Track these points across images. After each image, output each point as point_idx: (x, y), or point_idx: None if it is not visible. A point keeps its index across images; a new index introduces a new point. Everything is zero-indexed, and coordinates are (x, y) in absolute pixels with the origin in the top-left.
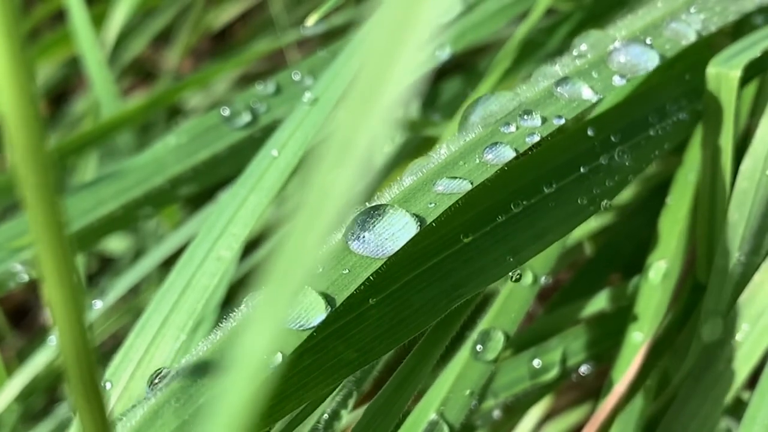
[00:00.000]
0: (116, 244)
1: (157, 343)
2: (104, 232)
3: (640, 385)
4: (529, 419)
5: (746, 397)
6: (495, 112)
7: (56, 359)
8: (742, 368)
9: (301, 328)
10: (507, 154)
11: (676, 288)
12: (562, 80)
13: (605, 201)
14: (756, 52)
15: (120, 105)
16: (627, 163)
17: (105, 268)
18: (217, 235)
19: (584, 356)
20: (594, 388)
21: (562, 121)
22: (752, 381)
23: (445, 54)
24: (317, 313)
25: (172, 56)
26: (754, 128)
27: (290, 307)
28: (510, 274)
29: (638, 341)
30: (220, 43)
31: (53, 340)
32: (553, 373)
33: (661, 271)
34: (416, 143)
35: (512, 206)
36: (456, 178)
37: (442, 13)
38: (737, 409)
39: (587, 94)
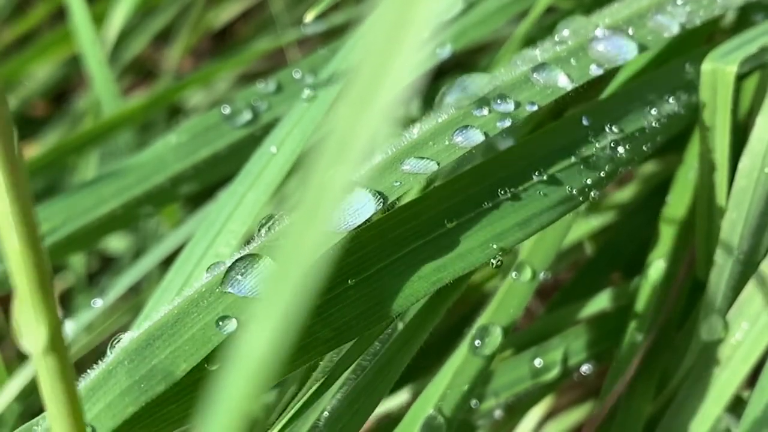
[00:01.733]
0: (117, 243)
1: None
2: (105, 231)
3: (639, 384)
4: (530, 419)
5: (746, 396)
6: (470, 95)
7: None
8: (742, 367)
9: (257, 296)
10: (476, 137)
11: (675, 287)
12: (540, 66)
13: (594, 191)
14: (753, 48)
15: (120, 104)
16: (620, 154)
17: (106, 267)
18: (215, 232)
19: (585, 356)
20: (595, 388)
21: (535, 108)
22: (752, 380)
23: (445, 52)
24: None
25: (172, 55)
26: (752, 125)
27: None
28: (492, 261)
29: (638, 340)
30: (221, 42)
31: None
32: (554, 372)
33: (660, 270)
34: None
35: (500, 193)
36: (423, 158)
37: (441, 10)
38: (737, 408)
39: (563, 81)
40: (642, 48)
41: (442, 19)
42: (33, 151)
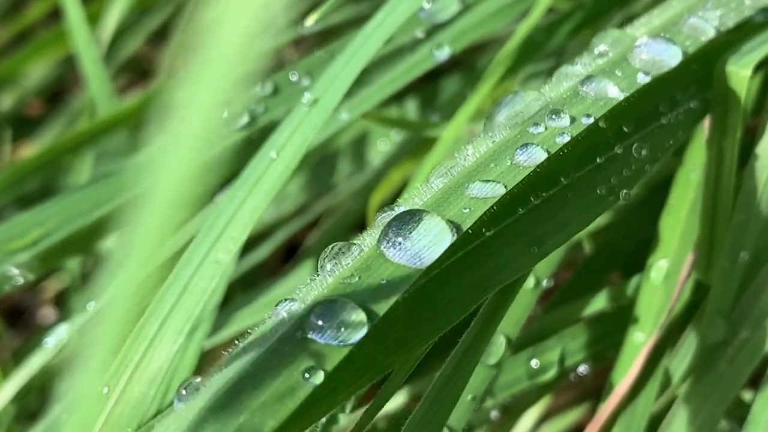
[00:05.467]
0: (113, 242)
1: (155, 346)
2: (101, 234)
3: (641, 386)
4: (526, 419)
5: (748, 399)
6: (520, 113)
7: (52, 359)
8: (745, 369)
9: (342, 344)
10: (539, 155)
11: (677, 288)
12: (587, 79)
13: (624, 191)
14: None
15: (116, 104)
16: (643, 152)
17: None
18: (215, 237)
19: (582, 356)
20: (592, 388)
21: (591, 120)
22: (754, 382)
23: (443, 54)
24: (358, 327)
25: (168, 54)
26: (761, 126)
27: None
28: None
29: (640, 342)
30: None
31: (49, 341)
32: (552, 373)
33: (662, 270)
34: (414, 145)
35: (531, 198)
36: (489, 181)
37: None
38: (739, 410)
39: (613, 92)
40: (684, 53)
41: (438, 19)
42: (28, 150)
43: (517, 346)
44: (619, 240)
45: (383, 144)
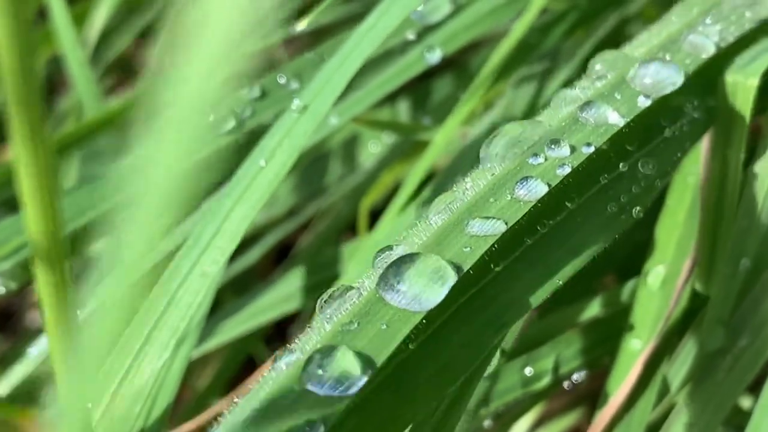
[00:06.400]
0: (102, 245)
1: (139, 362)
2: (86, 240)
3: (638, 395)
4: (520, 426)
5: (747, 406)
6: (519, 142)
7: (40, 365)
8: (744, 377)
9: (342, 394)
10: (539, 188)
11: (675, 294)
12: (586, 104)
13: (636, 208)
14: None
15: (103, 105)
16: (650, 167)
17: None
18: (202, 248)
19: (577, 363)
20: (585, 393)
21: (592, 149)
22: (753, 389)
23: (435, 57)
24: (356, 376)
25: (156, 54)
26: (762, 132)
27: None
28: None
29: (636, 349)
30: None
31: (33, 352)
32: (546, 381)
33: (660, 276)
34: (406, 147)
35: (538, 227)
36: (489, 218)
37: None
38: (738, 418)
39: (613, 118)
40: (685, 74)
41: (429, 21)
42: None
43: (510, 353)
44: (614, 243)
45: (374, 146)
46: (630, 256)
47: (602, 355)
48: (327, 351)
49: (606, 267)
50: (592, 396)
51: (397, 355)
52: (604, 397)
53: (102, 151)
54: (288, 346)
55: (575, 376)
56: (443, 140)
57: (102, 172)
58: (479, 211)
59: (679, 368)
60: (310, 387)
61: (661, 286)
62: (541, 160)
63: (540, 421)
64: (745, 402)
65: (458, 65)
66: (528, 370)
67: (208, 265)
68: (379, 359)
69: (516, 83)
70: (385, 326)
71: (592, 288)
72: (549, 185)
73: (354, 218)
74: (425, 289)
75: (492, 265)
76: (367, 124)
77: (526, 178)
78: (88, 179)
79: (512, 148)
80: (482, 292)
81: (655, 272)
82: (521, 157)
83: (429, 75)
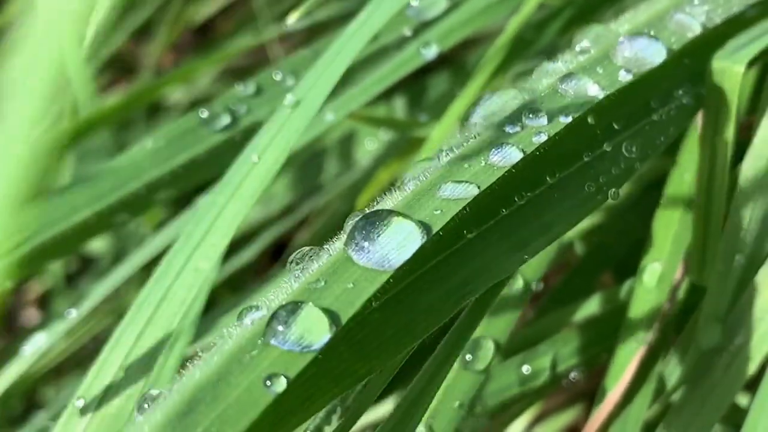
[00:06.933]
0: (96, 243)
1: (132, 359)
2: (80, 239)
3: (634, 392)
4: (517, 424)
5: (744, 404)
6: (498, 112)
7: (34, 365)
8: (741, 374)
9: (305, 350)
10: (514, 155)
11: (671, 291)
12: (566, 76)
13: (613, 189)
14: (762, 45)
15: (98, 103)
16: (633, 149)
17: (86, 267)
18: (194, 245)
19: (574, 361)
20: (582, 391)
21: (569, 119)
22: (750, 387)
23: (431, 53)
24: (321, 333)
25: (152, 51)
26: (755, 125)
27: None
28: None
29: (633, 346)
30: (202, 37)
31: (27, 350)
32: (543, 379)
33: (656, 273)
34: (402, 144)
35: (516, 198)
36: (462, 182)
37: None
38: (735, 416)
39: (593, 90)
40: (669, 50)
41: (426, 17)
42: None
43: (507, 351)
44: (611, 241)
45: (371, 143)
46: (628, 253)
47: (599, 353)
48: (292, 308)
49: (603, 265)
50: (589, 394)
51: (360, 312)
52: (601, 395)
53: (97, 148)
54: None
55: (572, 374)
56: (440, 137)
57: (93, 175)
58: (452, 176)
59: (675, 366)
60: (273, 342)
61: (657, 283)
62: (518, 128)
63: (537, 419)
64: (742, 399)
65: (454, 61)
66: (525, 368)
67: (201, 261)
68: (345, 317)
69: (512, 79)
70: (351, 285)
71: (589, 286)
72: (524, 152)
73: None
74: (393, 250)
75: (465, 232)
76: (364, 120)
77: (501, 144)
78: (83, 177)
79: (490, 117)
80: (451, 258)
81: (651, 269)
82: (499, 125)
83: (425, 71)
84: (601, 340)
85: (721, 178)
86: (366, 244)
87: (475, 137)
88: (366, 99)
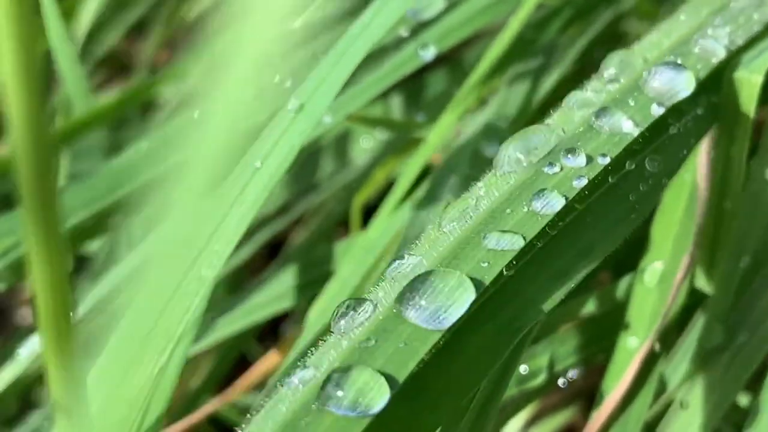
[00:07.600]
0: (93, 242)
1: (134, 367)
2: (75, 241)
3: (635, 392)
4: (514, 424)
5: (744, 404)
6: (533, 148)
7: (31, 364)
8: (743, 374)
9: (361, 414)
10: (556, 202)
11: (673, 291)
12: (601, 111)
13: (646, 206)
14: None
15: (92, 101)
16: (656, 166)
17: (82, 266)
18: (197, 252)
19: (572, 361)
20: (580, 391)
21: (608, 160)
22: (751, 387)
23: (429, 54)
24: (380, 396)
25: (147, 48)
26: (764, 127)
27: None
28: None
29: (633, 347)
30: (198, 34)
31: (22, 353)
32: (541, 379)
33: (657, 273)
34: (399, 142)
35: (547, 230)
36: (506, 231)
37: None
38: (737, 415)
39: (627, 126)
40: (697, 80)
41: (423, 17)
42: (1, 151)
43: None
44: None
45: (366, 141)
46: (625, 253)
47: (598, 353)
48: (345, 369)
49: (601, 264)
50: (587, 394)
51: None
52: (600, 395)
53: (92, 148)
54: (301, 362)
55: (570, 374)
56: (437, 137)
57: (92, 170)
58: (496, 224)
59: (676, 366)
60: (329, 407)
61: (658, 283)
62: (557, 169)
63: (535, 419)
64: (744, 399)
65: (452, 61)
66: (523, 368)
67: (205, 269)
68: (401, 377)
69: (510, 79)
70: (403, 344)
71: (587, 285)
72: (566, 198)
73: (347, 215)
74: (444, 306)
75: (503, 271)
76: (361, 121)
77: (542, 191)
78: (78, 177)
79: (527, 153)
80: (494, 298)
81: (652, 269)
82: (537, 165)
83: (422, 71)
84: (600, 339)
85: (735, 186)
86: (417, 300)
87: (511, 176)
88: (364, 100)
